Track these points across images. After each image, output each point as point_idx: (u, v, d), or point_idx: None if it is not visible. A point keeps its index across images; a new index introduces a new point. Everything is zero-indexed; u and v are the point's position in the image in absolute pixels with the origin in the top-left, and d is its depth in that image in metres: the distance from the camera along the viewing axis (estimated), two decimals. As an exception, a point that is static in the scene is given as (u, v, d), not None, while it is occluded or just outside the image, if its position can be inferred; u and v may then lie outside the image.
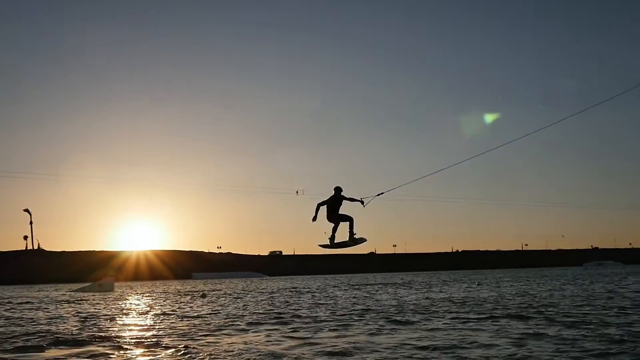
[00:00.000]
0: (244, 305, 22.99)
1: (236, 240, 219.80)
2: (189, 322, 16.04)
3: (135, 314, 20.13)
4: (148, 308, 22.99)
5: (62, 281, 73.67)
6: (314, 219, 14.13)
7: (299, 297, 27.57)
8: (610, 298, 20.92)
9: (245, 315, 17.64)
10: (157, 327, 14.93)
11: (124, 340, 12.24)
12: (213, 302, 25.92)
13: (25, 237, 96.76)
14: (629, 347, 9.61)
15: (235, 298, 28.66)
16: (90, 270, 76.86)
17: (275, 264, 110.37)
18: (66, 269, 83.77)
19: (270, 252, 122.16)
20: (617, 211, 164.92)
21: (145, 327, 14.92)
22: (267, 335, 12.38)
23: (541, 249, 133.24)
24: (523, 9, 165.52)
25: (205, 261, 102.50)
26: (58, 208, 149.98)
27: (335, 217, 14.66)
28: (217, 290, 40.47)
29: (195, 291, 39.09)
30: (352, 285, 42.83)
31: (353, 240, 14.86)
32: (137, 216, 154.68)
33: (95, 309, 22.85)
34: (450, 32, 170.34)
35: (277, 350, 10.19)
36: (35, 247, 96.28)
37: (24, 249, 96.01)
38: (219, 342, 11.50)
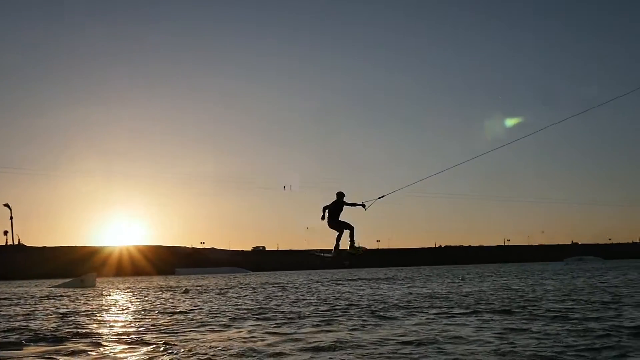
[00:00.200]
0: (227, 300, 22.83)
1: (219, 236, 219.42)
2: (170, 317, 15.85)
3: (116, 309, 19.88)
4: (129, 304, 22.75)
5: (43, 277, 72.89)
6: (323, 217, 14.51)
7: (282, 293, 27.47)
8: (591, 293, 21.06)
9: (227, 311, 17.49)
10: (137, 323, 14.71)
11: (104, 336, 12.03)
12: (195, 297, 25.72)
13: (6, 233, 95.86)
14: (612, 341, 9.62)
15: (218, 293, 28.47)
16: (72, 266, 76.12)
17: (259, 260, 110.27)
18: (47, 265, 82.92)
19: (254, 247, 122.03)
20: (596, 207, 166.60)
21: (126, 323, 14.70)
22: (250, 331, 12.24)
23: (523, 244, 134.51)
24: (523, 9, 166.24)
25: (188, 257, 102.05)
26: (39, 203, 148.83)
27: (335, 223, 14.58)
28: (200, 285, 40.23)
29: (178, 287, 38.82)
30: (336, 280, 42.81)
31: (354, 249, 14.83)
32: (119, 211, 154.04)
33: (76, 304, 22.55)
34: (450, 32, 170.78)
35: (259, 346, 10.05)
36: (16, 242, 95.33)
37: (4, 244, 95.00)
38: (201, 338, 11.34)
